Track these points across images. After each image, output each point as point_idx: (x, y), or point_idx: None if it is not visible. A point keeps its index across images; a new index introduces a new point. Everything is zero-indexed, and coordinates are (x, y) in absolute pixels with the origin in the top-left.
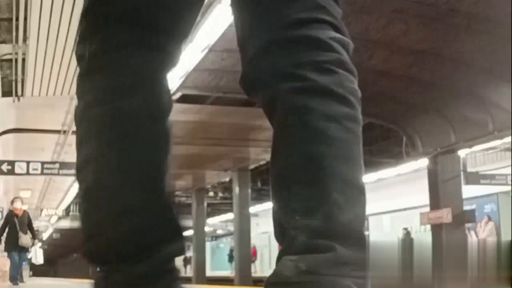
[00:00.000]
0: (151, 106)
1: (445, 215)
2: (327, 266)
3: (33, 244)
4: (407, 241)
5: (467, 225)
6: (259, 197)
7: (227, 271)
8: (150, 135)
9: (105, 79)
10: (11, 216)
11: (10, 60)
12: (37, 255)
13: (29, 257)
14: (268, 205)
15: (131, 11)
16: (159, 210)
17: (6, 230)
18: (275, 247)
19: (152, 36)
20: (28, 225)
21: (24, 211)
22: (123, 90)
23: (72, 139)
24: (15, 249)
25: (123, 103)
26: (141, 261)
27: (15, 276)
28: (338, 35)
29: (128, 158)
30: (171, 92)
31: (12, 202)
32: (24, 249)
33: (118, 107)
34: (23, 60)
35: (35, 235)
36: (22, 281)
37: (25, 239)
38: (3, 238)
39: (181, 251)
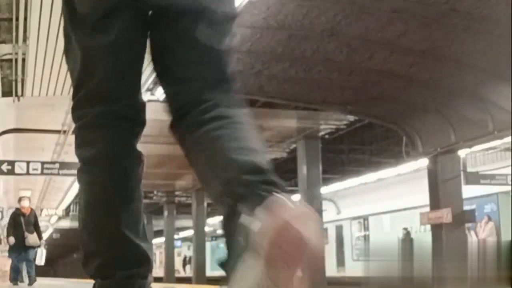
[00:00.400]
0: (118, 178)
1: (445, 215)
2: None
3: (39, 244)
4: (407, 241)
5: (467, 225)
6: None
7: None
8: (115, 202)
9: (90, 151)
10: (17, 215)
11: (10, 60)
12: (42, 256)
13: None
14: None
15: (101, 94)
16: (123, 247)
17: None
18: None
19: (115, 109)
20: (34, 225)
21: (31, 210)
22: (101, 163)
23: (72, 139)
24: (20, 249)
25: (99, 179)
26: (109, 278)
27: (15, 276)
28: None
29: (102, 218)
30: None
31: (20, 200)
32: (31, 249)
33: (96, 181)
34: (23, 60)
35: (41, 234)
36: (32, 281)
37: (32, 238)
38: (3, 237)
39: (143, 274)
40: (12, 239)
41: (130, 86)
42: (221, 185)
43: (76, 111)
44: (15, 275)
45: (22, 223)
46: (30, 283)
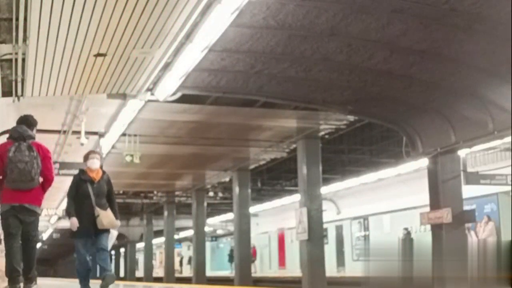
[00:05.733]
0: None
1: (445, 215)
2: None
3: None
4: (408, 241)
5: (467, 225)
6: (259, 197)
7: (227, 271)
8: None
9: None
10: (81, 180)
11: (10, 60)
12: (112, 239)
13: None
14: (268, 205)
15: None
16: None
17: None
18: (275, 247)
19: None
20: (107, 196)
21: (103, 173)
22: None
23: (72, 138)
24: (88, 234)
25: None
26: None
27: (82, 273)
28: None
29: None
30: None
31: (86, 157)
32: (105, 233)
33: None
34: (23, 60)
35: (117, 211)
36: (110, 280)
37: (106, 217)
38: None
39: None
40: (75, 222)
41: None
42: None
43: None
44: (83, 274)
45: (90, 193)
46: (106, 284)
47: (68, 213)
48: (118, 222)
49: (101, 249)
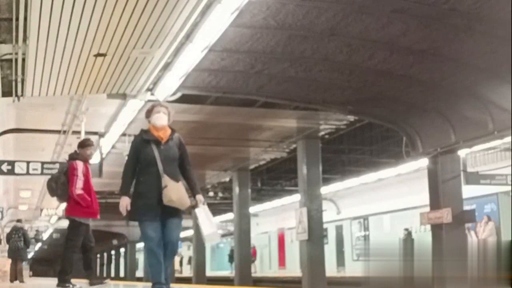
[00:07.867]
0: None
1: (445, 215)
2: None
3: (195, 205)
4: (408, 241)
5: (467, 225)
6: (259, 197)
7: (227, 271)
8: None
9: None
10: (143, 141)
11: (10, 60)
12: (210, 221)
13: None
14: (268, 205)
15: None
16: None
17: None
18: (275, 247)
19: None
20: (180, 164)
21: (173, 131)
22: None
23: (72, 138)
24: (153, 210)
25: None
26: None
27: (157, 268)
28: None
29: None
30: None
31: (150, 112)
32: (176, 219)
33: None
34: (23, 60)
35: (196, 183)
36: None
37: (176, 190)
38: (3, 238)
39: None
40: (125, 202)
41: None
42: None
43: None
44: (158, 269)
45: (156, 157)
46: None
47: (121, 188)
48: (189, 200)
49: (169, 244)
